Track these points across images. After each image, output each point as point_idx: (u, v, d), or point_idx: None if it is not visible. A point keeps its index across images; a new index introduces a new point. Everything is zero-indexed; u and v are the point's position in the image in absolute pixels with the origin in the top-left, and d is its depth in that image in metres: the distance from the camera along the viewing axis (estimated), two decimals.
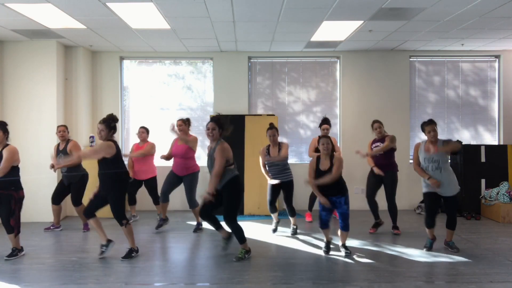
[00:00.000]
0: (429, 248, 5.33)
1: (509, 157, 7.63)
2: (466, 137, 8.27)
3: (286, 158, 5.93)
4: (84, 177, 6.32)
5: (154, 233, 6.35)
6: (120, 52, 8.11)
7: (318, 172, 5.04)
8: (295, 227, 6.22)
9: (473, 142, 8.21)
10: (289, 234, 6.16)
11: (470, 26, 6.32)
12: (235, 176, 4.88)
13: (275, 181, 5.93)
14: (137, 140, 7.14)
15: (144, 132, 6.99)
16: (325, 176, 4.96)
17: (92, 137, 7.54)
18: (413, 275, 4.46)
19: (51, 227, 6.51)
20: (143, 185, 7.00)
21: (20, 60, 7.14)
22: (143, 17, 5.78)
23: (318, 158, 5.10)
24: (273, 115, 7.76)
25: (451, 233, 5.30)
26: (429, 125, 5.13)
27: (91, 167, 7.19)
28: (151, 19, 5.86)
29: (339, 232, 5.21)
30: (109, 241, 5.19)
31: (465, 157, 7.58)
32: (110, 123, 4.95)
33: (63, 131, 6.23)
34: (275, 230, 6.29)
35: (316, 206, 5.83)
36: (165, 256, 5.27)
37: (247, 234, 5.07)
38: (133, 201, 7.13)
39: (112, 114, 5.05)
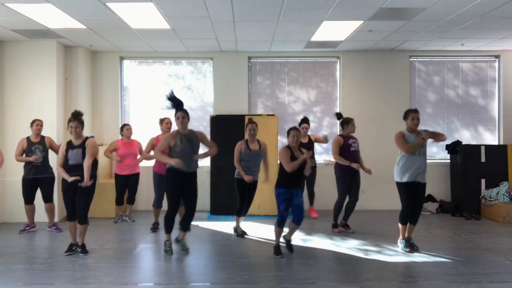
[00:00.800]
0: (412, 249, 5.24)
1: (509, 157, 7.63)
2: (466, 137, 8.27)
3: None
4: (53, 175, 6.35)
5: (153, 233, 6.34)
6: (120, 52, 8.11)
7: (293, 160, 5.02)
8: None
9: (473, 142, 8.21)
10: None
11: (470, 26, 6.32)
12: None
13: (249, 177, 5.75)
14: (138, 140, 7.23)
15: (130, 129, 7.04)
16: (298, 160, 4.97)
17: (92, 137, 7.54)
18: (413, 275, 4.46)
19: (26, 228, 6.41)
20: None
21: (20, 60, 7.14)
22: (143, 17, 5.78)
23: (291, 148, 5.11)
24: (273, 115, 7.76)
25: (413, 228, 5.30)
26: (414, 112, 5.23)
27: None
28: (151, 19, 5.86)
29: (291, 225, 5.17)
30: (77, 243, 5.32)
31: (465, 157, 7.58)
32: (82, 119, 5.18)
33: (41, 125, 6.30)
34: (239, 234, 6.13)
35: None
36: (165, 256, 5.26)
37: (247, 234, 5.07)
38: (122, 201, 7.03)
39: (77, 110, 5.26)
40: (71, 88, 7.61)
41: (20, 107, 7.08)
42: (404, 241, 5.31)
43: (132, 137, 7.13)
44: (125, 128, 6.99)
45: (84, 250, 5.23)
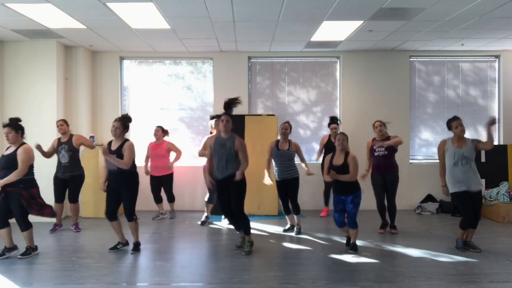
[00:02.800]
0: (462, 248, 5.28)
1: (509, 157, 7.63)
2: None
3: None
4: (82, 175, 6.41)
5: (154, 233, 6.35)
6: (120, 52, 8.11)
7: (331, 168, 5.17)
8: (299, 226, 6.25)
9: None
10: (293, 234, 6.17)
11: (470, 26, 6.32)
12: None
13: (269, 182, 6.06)
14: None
15: (159, 130, 7.29)
16: (344, 175, 5.08)
17: (92, 137, 7.54)
18: (413, 275, 4.46)
19: (56, 228, 6.42)
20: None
21: (20, 60, 7.14)
22: (143, 17, 5.78)
23: (333, 154, 5.27)
24: (273, 115, 7.76)
25: (473, 233, 5.28)
26: (455, 121, 5.23)
27: (88, 168, 7.24)
28: (151, 19, 5.86)
29: (349, 229, 5.29)
30: (127, 242, 5.46)
31: None
32: (125, 122, 5.20)
33: (61, 125, 6.29)
34: (286, 231, 6.33)
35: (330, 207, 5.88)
36: (165, 256, 5.26)
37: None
38: (159, 199, 7.37)
39: (127, 114, 5.35)
40: (71, 88, 7.62)
41: (20, 107, 7.08)
42: (461, 240, 5.32)
43: (131, 138, 7.17)
44: (154, 130, 7.29)
45: (136, 248, 5.34)
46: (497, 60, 8.29)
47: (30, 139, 6.81)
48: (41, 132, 6.91)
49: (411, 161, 8.22)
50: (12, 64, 7.14)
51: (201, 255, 5.30)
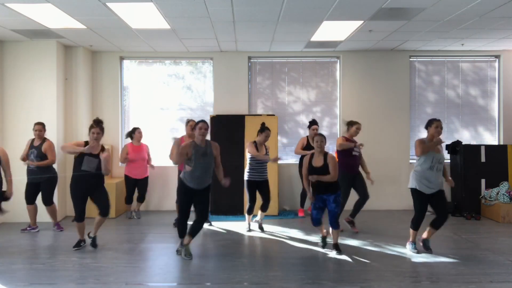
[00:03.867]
0: (418, 251, 5.26)
1: (509, 157, 7.63)
2: (466, 137, 8.26)
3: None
4: (54, 178, 6.37)
5: (154, 233, 6.35)
6: (120, 52, 8.11)
7: (311, 169, 5.16)
8: (260, 221, 6.42)
9: (473, 142, 8.21)
10: (290, 233, 6.18)
11: (470, 26, 6.32)
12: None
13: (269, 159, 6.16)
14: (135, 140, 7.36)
15: (141, 132, 7.36)
16: (325, 176, 5.06)
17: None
18: (413, 275, 4.46)
19: (28, 228, 6.42)
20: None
21: (20, 60, 7.14)
22: (143, 17, 5.78)
23: (312, 155, 5.24)
24: (273, 115, 7.76)
25: (432, 232, 5.26)
26: (438, 121, 5.14)
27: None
28: (151, 19, 5.86)
29: (330, 230, 5.26)
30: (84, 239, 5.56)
31: (465, 157, 7.58)
32: (102, 126, 5.37)
33: (40, 130, 6.24)
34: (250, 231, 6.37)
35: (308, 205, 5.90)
36: (165, 256, 5.26)
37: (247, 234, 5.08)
38: (131, 200, 7.38)
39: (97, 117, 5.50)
40: (71, 88, 7.61)
41: (20, 107, 7.09)
42: (413, 243, 5.30)
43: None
44: (137, 132, 7.27)
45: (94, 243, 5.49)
46: (497, 60, 8.29)
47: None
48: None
49: (411, 161, 8.21)
50: (12, 64, 7.14)
51: (201, 255, 5.30)
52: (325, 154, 5.17)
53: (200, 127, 4.92)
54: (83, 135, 7.60)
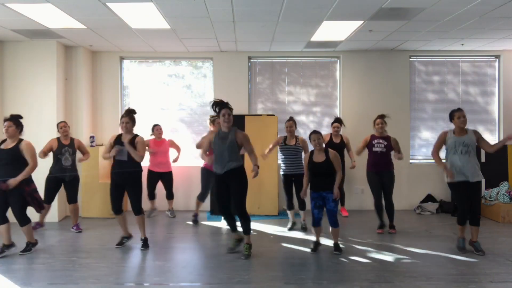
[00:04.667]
0: (463, 248, 5.22)
1: (509, 157, 7.63)
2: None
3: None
4: (77, 176, 6.43)
5: (154, 232, 6.35)
6: (120, 52, 8.11)
7: (312, 165, 5.17)
8: (304, 222, 6.35)
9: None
10: (290, 232, 6.20)
11: (470, 26, 6.32)
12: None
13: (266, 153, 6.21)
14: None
15: (160, 128, 7.42)
16: (338, 180, 5.11)
17: (92, 137, 7.56)
18: (413, 275, 4.46)
19: (38, 227, 6.44)
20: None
21: (20, 60, 7.14)
22: (143, 17, 5.78)
23: (312, 152, 5.26)
24: (273, 115, 7.76)
25: (477, 231, 5.15)
26: (458, 111, 5.22)
27: (88, 168, 7.25)
28: (151, 19, 5.86)
29: (330, 229, 5.25)
30: (130, 235, 5.65)
31: None
32: (132, 116, 5.43)
33: (64, 127, 6.31)
34: (291, 229, 6.39)
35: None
36: (165, 256, 5.27)
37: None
38: (153, 196, 7.47)
39: (129, 108, 5.59)
40: (71, 88, 7.62)
41: (20, 107, 7.07)
42: (462, 239, 5.26)
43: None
44: (155, 129, 7.38)
45: (145, 244, 5.49)
46: (497, 60, 8.29)
47: (30, 138, 6.84)
48: (41, 132, 6.91)
49: (411, 161, 8.23)
50: (12, 64, 7.14)
51: (201, 255, 5.30)
52: (326, 150, 5.18)
53: (223, 113, 4.91)
54: (84, 135, 7.62)
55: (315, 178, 5.16)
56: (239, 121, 7.45)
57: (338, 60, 8.30)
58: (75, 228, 6.44)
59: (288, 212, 6.44)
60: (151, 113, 8.26)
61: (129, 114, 5.41)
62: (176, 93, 8.32)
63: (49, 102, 7.14)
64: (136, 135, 5.39)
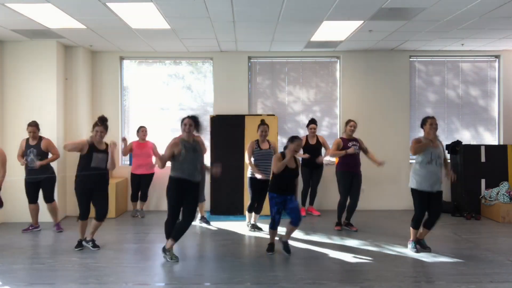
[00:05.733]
0: (418, 250, 5.29)
1: (509, 157, 7.63)
2: (466, 137, 8.26)
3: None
4: (52, 177, 6.39)
5: (154, 232, 6.35)
6: (120, 52, 8.11)
7: (285, 168, 5.15)
8: (255, 222, 6.46)
9: (473, 142, 8.20)
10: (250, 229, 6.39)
11: (470, 26, 6.32)
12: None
13: (260, 176, 6.06)
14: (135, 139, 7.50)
15: (145, 131, 7.50)
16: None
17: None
18: (413, 275, 4.46)
19: (30, 228, 6.42)
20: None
21: (20, 60, 7.13)
22: (143, 17, 5.78)
23: (283, 156, 5.23)
24: (273, 115, 7.76)
25: (426, 233, 5.34)
26: (432, 118, 5.22)
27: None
28: (151, 19, 5.86)
29: (288, 227, 5.27)
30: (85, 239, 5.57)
31: (465, 157, 7.58)
32: (107, 124, 5.45)
33: (33, 132, 6.18)
34: (252, 229, 6.43)
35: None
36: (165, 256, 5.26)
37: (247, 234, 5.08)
38: (136, 198, 7.56)
39: (102, 115, 5.55)
40: (71, 88, 7.61)
41: (20, 107, 7.08)
42: (414, 242, 5.33)
43: (131, 138, 7.27)
44: (141, 130, 7.48)
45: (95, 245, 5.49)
46: (497, 60, 8.29)
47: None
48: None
49: (411, 161, 8.21)
50: (12, 64, 7.14)
51: (201, 255, 5.30)
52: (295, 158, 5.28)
53: (185, 123, 4.91)
54: (83, 135, 7.61)
55: (283, 181, 5.15)
56: (239, 121, 7.47)
57: (338, 60, 8.30)
58: (55, 228, 6.43)
59: (248, 214, 6.44)
60: (151, 113, 8.26)
61: (104, 123, 5.40)
62: (176, 93, 8.33)
63: (49, 102, 7.14)
64: (107, 144, 5.46)
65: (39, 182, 6.26)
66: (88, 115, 7.85)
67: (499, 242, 5.74)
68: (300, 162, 5.29)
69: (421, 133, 7.68)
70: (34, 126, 6.20)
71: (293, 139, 5.16)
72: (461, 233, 6.23)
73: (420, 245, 5.31)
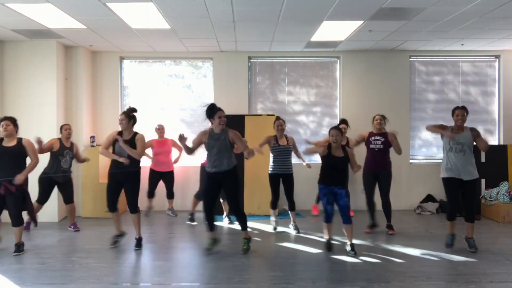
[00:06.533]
0: (451, 245, 5.28)
1: (509, 157, 7.63)
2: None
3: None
4: (71, 178, 6.44)
5: (154, 232, 6.35)
6: (120, 52, 8.11)
7: (330, 158, 5.11)
8: (294, 224, 6.31)
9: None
10: (290, 233, 6.21)
11: (470, 26, 6.32)
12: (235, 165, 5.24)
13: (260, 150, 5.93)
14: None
15: (163, 128, 7.51)
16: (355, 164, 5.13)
17: (92, 137, 7.56)
18: (413, 275, 4.46)
19: (29, 226, 6.40)
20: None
21: (20, 60, 7.14)
22: (143, 17, 5.78)
23: (329, 146, 5.17)
24: (273, 115, 7.75)
25: (472, 228, 5.24)
26: (459, 109, 5.28)
27: (87, 168, 7.25)
28: (151, 19, 5.86)
29: (343, 229, 5.23)
30: (122, 232, 5.61)
31: None
32: (129, 114, 5.37)
33: (69, 129, 6.35)
34: (275, 229, 6.39)
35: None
36: (165, 256, 5.27)
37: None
38: (153, 194, 7.51)
39: (130, 106, 5.54)
40: (71, 88, 7.62)
41: (20, 107, 7.08)
42: (450, 236, 5.31)
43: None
44: (158, 128, 7.48)
45: (139, 244, 5.48)
46: (497, 60, 8.29)
47: (30, 138, 6.81)
48: (41, 132, 6.87)
49: (411, 161, 8.23)
50: (12, 64, 7.14)
51: (201, 255, 5.29)
52: (343, 147, 5.19)
53: (219, 115, 5.03)
54: (84, 135, 7.62)
55: (330, 172, 5.12)
56: (239, 121, 7.47)
57: (338, 60, 8.30)
58: (72, 227, 6.45)
59: (272, 211, 6.42)
60: (151, 113, 8.26)
61: (125, 112, 5.43)
62: (176, 93, 8.33)
63: (49, 102, 7.14)
64: (136, 133, 5.41)
65: (55, 184, 6.27)
66: (88, 115, 7.85)
67: (499, 242, 5.74)
68: (353, 152, 5.19)
69: (421, 133, 7.66)
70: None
71: (329, 130, 5.18)
72: (461, 233, 6.21)
73: (468, 244, 5.25)
